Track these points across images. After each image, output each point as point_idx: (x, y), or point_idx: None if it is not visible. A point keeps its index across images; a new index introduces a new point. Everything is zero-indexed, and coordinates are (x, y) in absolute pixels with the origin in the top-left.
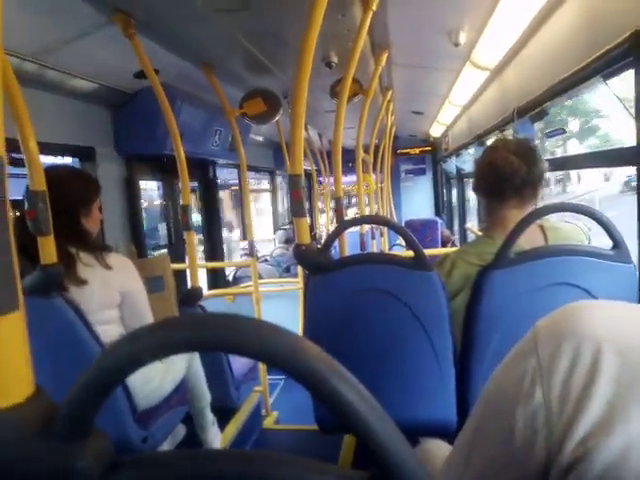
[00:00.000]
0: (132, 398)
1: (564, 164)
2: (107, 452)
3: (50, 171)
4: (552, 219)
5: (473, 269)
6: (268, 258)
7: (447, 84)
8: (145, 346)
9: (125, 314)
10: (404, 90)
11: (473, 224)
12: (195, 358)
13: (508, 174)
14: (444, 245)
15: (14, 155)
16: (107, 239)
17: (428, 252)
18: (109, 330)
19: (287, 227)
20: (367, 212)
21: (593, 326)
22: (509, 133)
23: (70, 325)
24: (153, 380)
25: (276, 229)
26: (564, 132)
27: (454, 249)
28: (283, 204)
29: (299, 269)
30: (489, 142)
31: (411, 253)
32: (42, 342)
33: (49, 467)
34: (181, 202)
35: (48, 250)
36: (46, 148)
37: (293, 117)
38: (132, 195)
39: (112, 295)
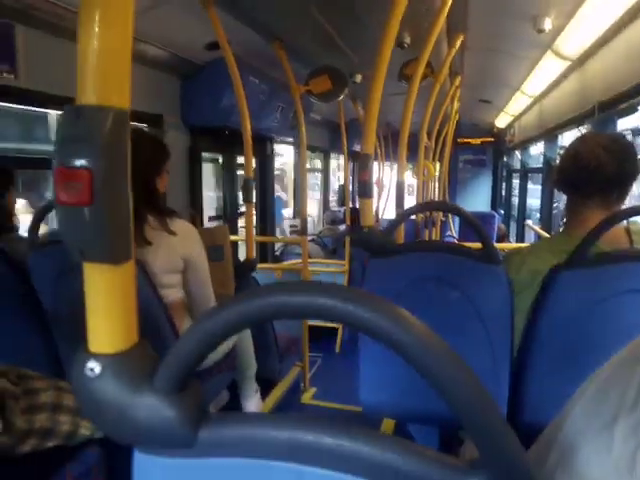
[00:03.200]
0: None
1: None
2: (199, 406)
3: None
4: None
5: (545, 266)
6: (315, 238)
7: (522, 73)
8: (255, 309)
9: (187, 280)
10: (474, 76)
11: (533, 222)
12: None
13: (593, 168)
14: (499, 241)
15: None
16: (170, 205)
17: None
18: (170, 294)
19: (336, 209)
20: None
21: None
22: (586, 129)
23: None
24: None
25: (325, 209)
26: None
27: (525, 245)
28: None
29: (346, 252)
30: (561, 137)
31: (474, 245)
32: None
33: (149, 415)
34: (243, 175)
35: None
36: None
37: (370, 95)
38: (195, 165)
39: (175, 260)
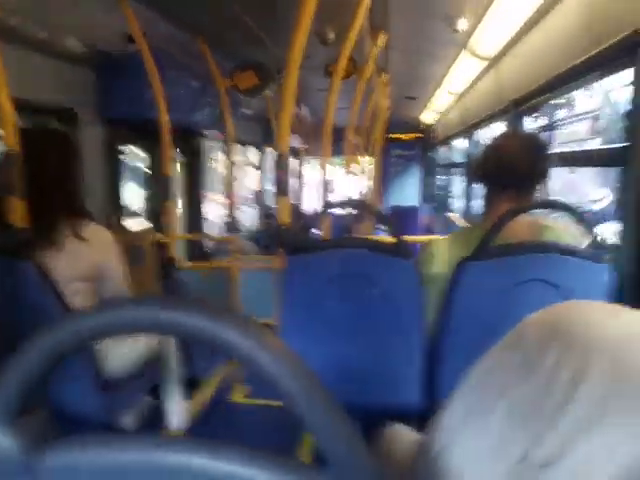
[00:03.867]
0: (100, 365)
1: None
2: (42, 431)
3: (26, 131)
4: (555, 219)
5: (457, 257)
6: (246, 234)
7: (442, 71)
8: (86, 327)
9: (101, 288)
10: (399, 74)
11: (455, 214)
12: None
13: (510, 163)
14: (426, 233)
15: None
16: (87, 206)
17: (409, 238)
18: (78, 302)
19: (271, 205)
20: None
21: (583, 327)
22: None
23: (36, 290)
24: (124, 348)
25: (260, 204)
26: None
27: (436, 237)
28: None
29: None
30: (480, 133)
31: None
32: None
33: None
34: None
35: (19, 213)
36: (22, 106)
37: (284, 92)
38: (112, 160)
39: (83, 267)
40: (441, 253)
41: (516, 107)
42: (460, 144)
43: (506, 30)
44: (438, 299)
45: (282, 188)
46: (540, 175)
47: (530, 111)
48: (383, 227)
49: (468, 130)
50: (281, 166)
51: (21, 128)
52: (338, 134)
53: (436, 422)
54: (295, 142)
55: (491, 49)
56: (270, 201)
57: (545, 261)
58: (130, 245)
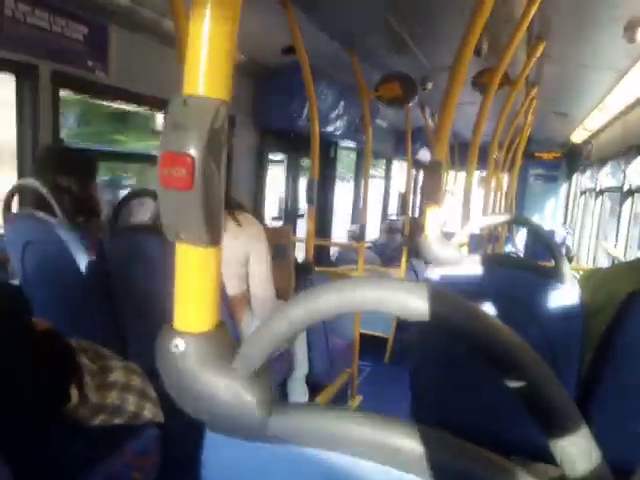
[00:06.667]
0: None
1: None
2: (271, 394)
3: None
4: None
5: (623, 289)
6: (371, 245)
7: (606, 84)
8: (331, 302)
9: (250, 273)
10: (551, 87)
11: (609, 244)
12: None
13: None
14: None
15: None
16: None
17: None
18: (232, 287)
19: (394, 218)
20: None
21: None
22: None
23: None
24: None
25: (384, 218)
26: None
27: (600, 267)
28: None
29: (402, 261)
30: None
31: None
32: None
33: (227, 395)
34: (308, 177)
35: None
36: None
37: (445, 102)
38: (261, 165)
39: (239, 252)
40: (605, 285)
41: None
42: (617, 167)
43: None
44: (597, 332)
45: (434, 196)
46: None
47: None
48: (518, 250)
49: (628, 152)
50: (435, 173)
51: None
52: (478, 149)
53: None
54: (427, 155)
55: None
56: (394, 214)
57: None
58: (275, 242)
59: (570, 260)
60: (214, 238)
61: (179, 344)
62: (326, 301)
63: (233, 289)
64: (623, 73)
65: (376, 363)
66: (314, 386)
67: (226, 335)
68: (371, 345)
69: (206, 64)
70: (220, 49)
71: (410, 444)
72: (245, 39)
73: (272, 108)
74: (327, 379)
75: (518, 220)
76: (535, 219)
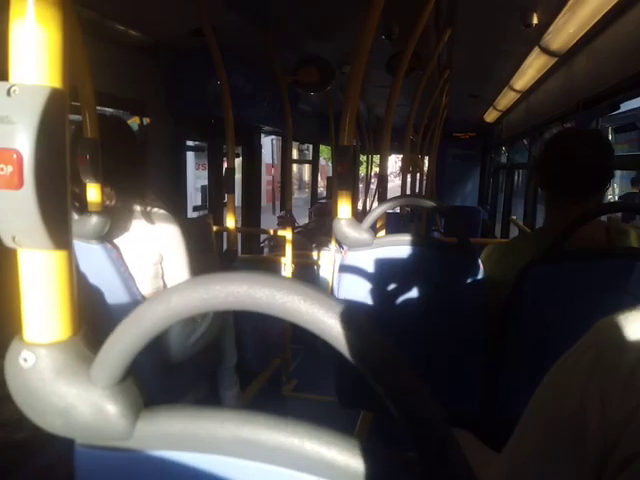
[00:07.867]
0: (163, 349)
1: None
2: (137, 399)
3: (102, 119)
4: (622, 222)
5: (521, 262)
6: (302, 229)
7: (510, 68)
8: (188, 301)
9: (165, 272)
10: (463, 70)
11: (517, 217)
12: (229, 318)
13: (580, 165)
14: (484, 235)
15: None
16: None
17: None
18: (147, 285)
19: (324, 201)
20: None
21: None
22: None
23: (109, 273)
24: (188, 335)
25: (313, 201)
26: (636, 128)
27: (501, 240)
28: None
29: (332, 244)
30: (547, 134)
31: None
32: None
33: (84, 407)
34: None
35: (96, 198)
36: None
37: (349, 87)
38: (178, 154)
39: (152, 252)
40: (505, 258)
41: (584, 107)
42: (523, 145)
43: (581, 26)
44: (501, 302)
45: (344, 182)
46: (610, 176)
47: (601, 112)
48: (440, 229)
49: (533, 130)
50: (344, 159)
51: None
52: (395, 132)
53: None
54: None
55: (564, 45)
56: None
57: (623, 267)
58: (195, 232)
59: (485, 235)
60: (60, 240)
61: (28, 357)
62: (189, 297)
63: (148, 288)
64: (523, 57)
65: (310, 346)
66: (247, 374)
67: (85, 344)
68: (304, 329)
69: (35, 48)
70: (49, 29)
71: (278, 438)
72: (152, 19)
73: (186, 93)
74: (259, 367)
75: (423, 201)
76: (456, 198)
